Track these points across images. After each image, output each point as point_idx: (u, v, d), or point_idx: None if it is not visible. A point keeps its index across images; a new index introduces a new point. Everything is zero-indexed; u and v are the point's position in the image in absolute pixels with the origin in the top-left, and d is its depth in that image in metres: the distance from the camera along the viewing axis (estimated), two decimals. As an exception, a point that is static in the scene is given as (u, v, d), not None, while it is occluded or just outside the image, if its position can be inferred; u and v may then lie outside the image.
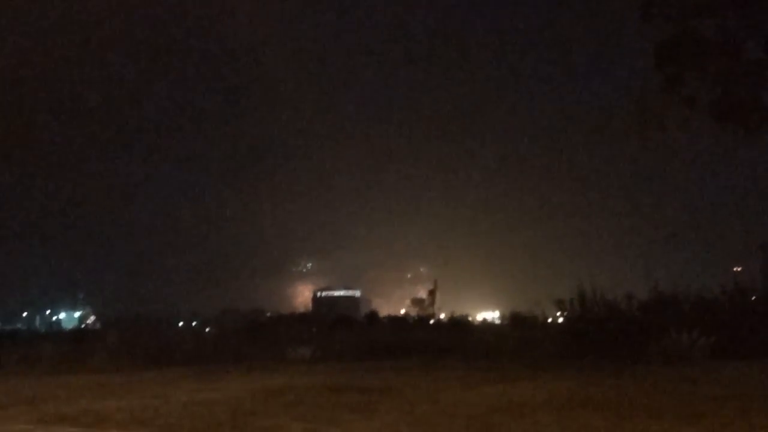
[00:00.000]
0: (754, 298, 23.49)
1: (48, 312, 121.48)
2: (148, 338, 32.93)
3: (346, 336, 35.54)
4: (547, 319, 39.29)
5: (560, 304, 25.59)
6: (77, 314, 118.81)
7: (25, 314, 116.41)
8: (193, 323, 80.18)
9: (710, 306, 23.13)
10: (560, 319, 28.00)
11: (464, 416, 10.83)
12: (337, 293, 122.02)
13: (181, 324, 76.34)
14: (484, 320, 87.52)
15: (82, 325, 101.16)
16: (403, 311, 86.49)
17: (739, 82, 18.92)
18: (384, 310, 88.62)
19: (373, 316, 72.71)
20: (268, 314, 78.90)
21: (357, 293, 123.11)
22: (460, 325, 47.77)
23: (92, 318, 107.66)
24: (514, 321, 44.37)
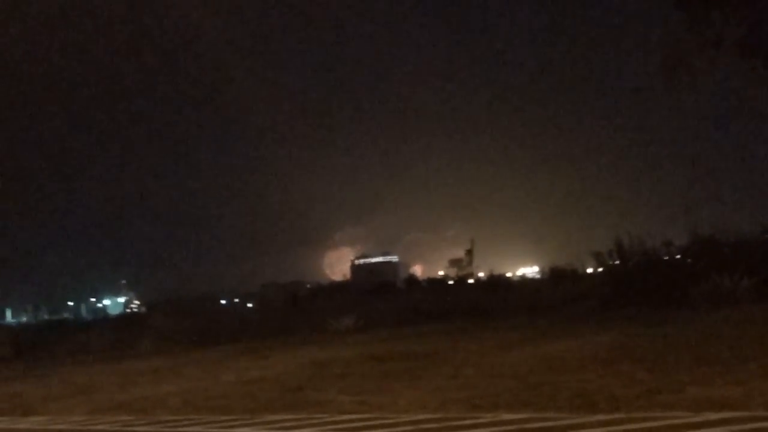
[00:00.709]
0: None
1: (93, 300, 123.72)
2: (193, 319, 33.51)
3: (387, 303, 35.83)
4: (587, 271, 39.12)
5: (598, 256, 25.44)
6: (121, 300, 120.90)
7: (71, 303, 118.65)
8: (235, 300, 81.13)
9: (751, 247, 22.83)
10: (600, 271, 27.83)
11: (509, 376, 10.91)
12: (375, 260, 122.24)
13: (223, 302, 77.31)
14: (524, 276, 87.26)
15: (127, 310, 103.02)
16: (441, 273, 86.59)
17: (765, 19, 18.44)
18: (423, 273, 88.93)
19: (412, 280, 72.98)
20: (308, 285, 79.58)
21: (395, 258, 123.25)
22: (498, 283, 47.71)
23: (136, 302, 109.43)
24: (554, 275, 44.21)
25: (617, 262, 24.25)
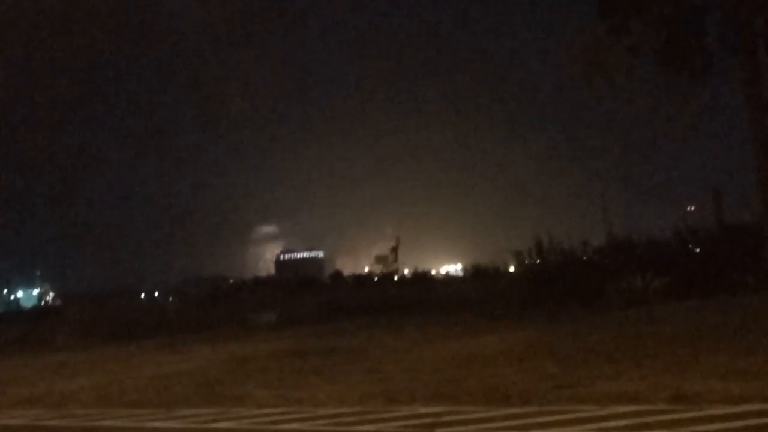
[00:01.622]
0: (703, 237, 24.08)
1: (5, 291, 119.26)
2: (110, 313, 32.80)
3: (311, 298, 35.75)
4: (508, 269, 39.82)
5: (518, 255, 25.96)
6: (35, 292, 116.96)
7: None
8: (156, 294, 79.57)
9: (663, 248, 23.67)
10: (520, 270, 28.39)
11: (428, 371, 11.08)
12: (300, 255, 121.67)
13: (143, 296, 75.75)
14: (447, 274, 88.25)
15: (42, 303, 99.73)
16: (367, 269, 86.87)
17: (682, 28, 19.17)
18: (349, 269, 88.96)
19: (337, 276, 72.93)
20: (231, 280, 78.64)
21: (320, 254, 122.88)
22: (422, 280, 48.18)
23: (51, 295, 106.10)
24: (475, 273, 44.91)
25: (537, 261, 24.80)
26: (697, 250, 23.81)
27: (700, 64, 19.25)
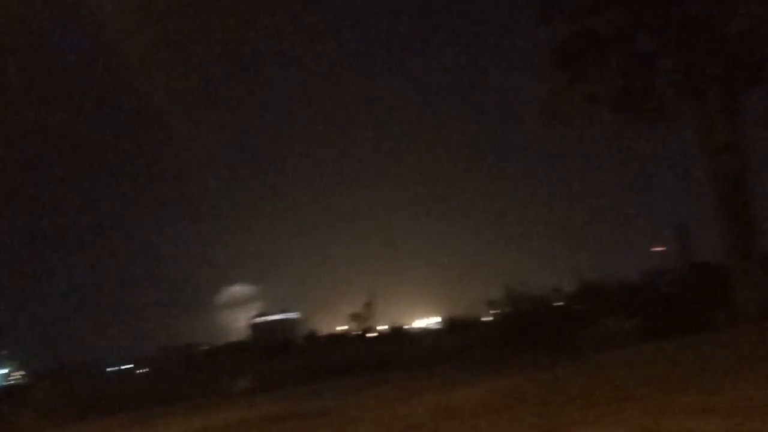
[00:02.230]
0: (671, 277, 24.47)
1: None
2: (79, 388, 32.13)
3: (286, 361, 35.45)
4: (484, 319, 39.90)
5: (492, 304, 26.12)
6: (2, 372, 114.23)
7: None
8: (128, 365, 78.17)
9: (632, 290, 23.97)
10: (495, 319, 28.51)
11: (406, 428, 11.00)
12: (273, 317, 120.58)
13: (114, 369, 74.36)
14: (424, 327, 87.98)
15: (9, 382, 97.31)
16: (342, 327, 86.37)
17: (635, 75, 19.75)
18: (324, 328, 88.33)
19: (312, 336, 72.40)
20: (205, 347, 77.65)
21: (294, 315, 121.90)
22: (398, 335, 48.03)
23: (19, 373, 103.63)
24: (452, 325, 44.88)
25: (510, 309, 24.94)
26: (666, 290, 24.15)
27: (654, 109, 19.80)
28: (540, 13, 20.18)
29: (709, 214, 20.95)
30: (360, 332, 63.80)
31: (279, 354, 44.49)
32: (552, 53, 19.94)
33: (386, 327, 59.58)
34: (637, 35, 20.20)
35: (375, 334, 59.07)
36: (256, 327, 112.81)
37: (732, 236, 19.54)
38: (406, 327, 67.94)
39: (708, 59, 19.67)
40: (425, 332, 69.19)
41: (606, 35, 19.96)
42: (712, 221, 20.66)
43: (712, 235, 21.75)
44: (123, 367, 76.55)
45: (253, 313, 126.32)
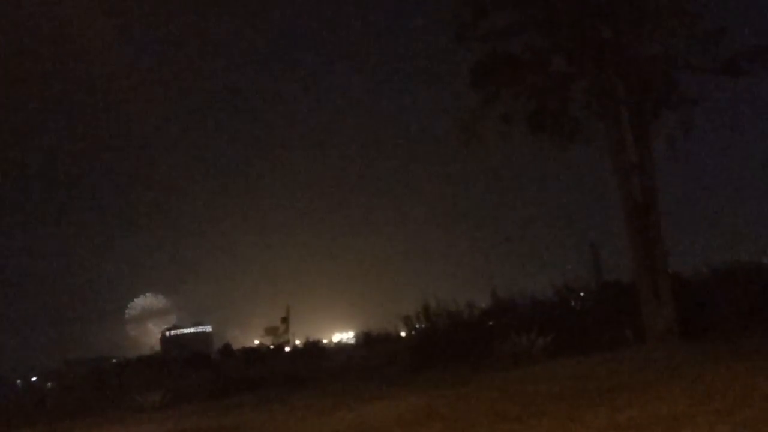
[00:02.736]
0: (583, 294, 25.05)
1: None
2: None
3: (199, 375, 34.74)
4: (399, 334, 40.03)
5: (407, 320, 26.20)
6: None
7: None
8: (33, 379, 75.27)
9: (545, 307, 24.46)
10: (410, 334, 28.59)
11: (317, 445, 10.91)
12: (186, 330, 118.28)
13: (19, 382, 71.47)
14: (339, 342, 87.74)
15: None
16: (257, 341, 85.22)
17: (550, 96, 20.26)
18: (239, 341, 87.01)
19: (226, 350, 71.22)
20: (114, 360, 75.43)
21: (208, 328, 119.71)
22: (314, 350, 47.74)
23: None
24: (367, 340, 44.90)
25: (424, 324, 25.08)
26: (578, 307, 24.73)
27: (567, 130, 20.34)
28: (456, 33, 20.50)
29: (619, 233, 21.61)
30: (275, 346, 63.13)
31: (192, 368, 43.54)
32: (468, 74, 20.29)
33: (302, 341, 59.15)
34: (552, 58, 20.74)
35: (290, 349, 58.56)
36: (168, 340, 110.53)
37: (640, 254, 20.17)
38: (323, 341, 67.60)
39: (620, 82, 20.36)
40: (341, 347, 69.04)
41: (521, 57, 20.43)
42: (622, 241, 21.32)
43: (623, 254, 22.45)
44: (32, 380, 73.74)
45: (166, 325, 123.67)
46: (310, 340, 57.34)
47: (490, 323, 23.85)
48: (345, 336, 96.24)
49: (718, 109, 21.04)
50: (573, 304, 24.76)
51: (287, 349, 59.49)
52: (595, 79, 20.35)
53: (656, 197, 20.47)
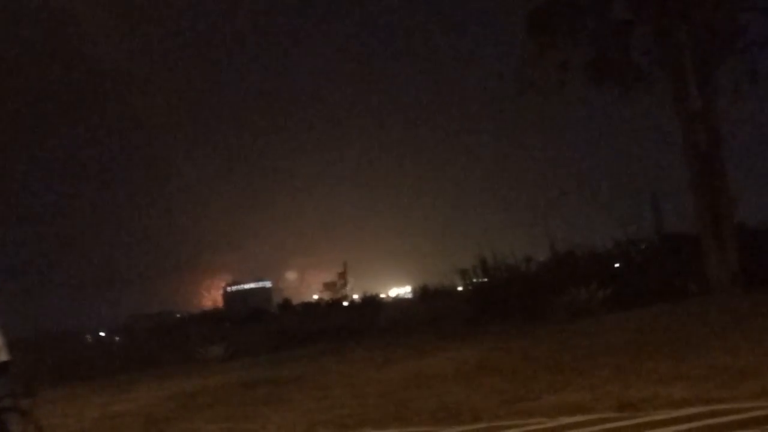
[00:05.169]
0: (644, 246, 24.62)
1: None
2: (54, 355, 31.84)
3: (259, 329, 35.37)
4: (456, 289, 40.04)
5: (464, 274, 26.17)
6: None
7: None
8: (101, 333, 77.72)
9: (604, 259, 24.12)
10: (467, 288, 28.56)
11: (376, 394, 11.02)
12: (247, 286, 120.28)
13: (89, 336, 73.90)
14: (397, 296, 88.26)
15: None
16: (315, 296, 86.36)
17: (610, 44, 19.73)
18: (298, 297, 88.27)
19: (285, 305, 72.38)
20: (178, 315, 77.38)
21: (268, 284, 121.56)
22: (371, 304, 48.11)
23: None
24: (424, 294, 45.01)
25: (482, 278, 25.02)
26: (639, 259, 24.32)
27: (628, 78, 19.81)
28: None
29: (682, 185, 21.13)
30: (333, 301, 63.91)
31: (253, 322, 44.37)
32: (525, 20, 19.86)
33: (359, 296, 59.75)
34: (612, 4, 20.15)
35: (348, 303, 59.22)
36: (230, 295, 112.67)
37: (703, 204, 19.71)
38: (380, 296, 68.12)
39: (683, 27, 19.68)
40: (398, 301, 69.45)
41: (580, 3, 19.89)
42: (685, 191, 20.84)
43: (686, 206, 21.97)
44: (101, 334, 76.11)
45: (227, 281, 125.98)
46: (368, 294, 57.78)
47: (549, 276, 23.62)
48: (402, 290, 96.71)
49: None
50: (633, 256, 24.34)
51: (345, 303, 60.16)
52: (656, 24, 19.70)
53: (720, 146, 19.90)
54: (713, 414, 6.93)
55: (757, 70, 19.61)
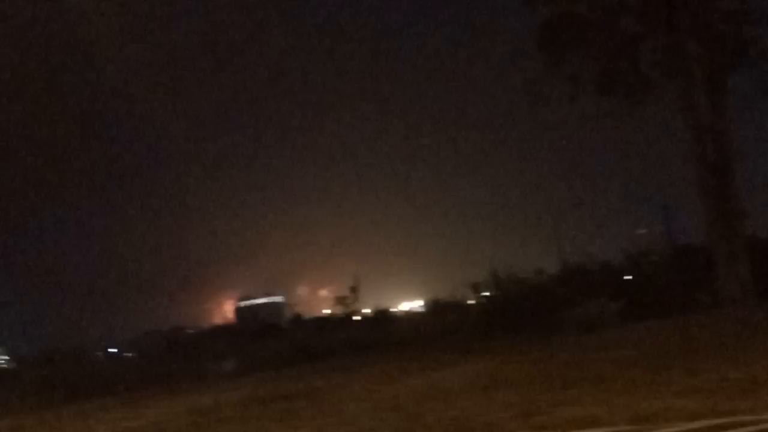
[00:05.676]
0: (655, 258, 24.56)
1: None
2: (66, 372, 31.91)
3: (271, 344, 35.34)
4: (468, 302, 39.92)
5: (475, 287, 26.16)
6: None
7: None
8: (113, 350, 77.83)
9: (616, 272, 24.08)
10: (479, 301, 28.54)
11: (389, 409, 11.01)
12: (258, 301, 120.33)
13: (100, 353, 74.02)
14: (408, 310, 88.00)
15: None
16: (327, 311, 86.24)
17: (618, 56, 19.77)
18: (309, 312, 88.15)
19: (297, 320, 72.28)
20: (190, 331, 77.46)
21: (280, 299, 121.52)
22: (383, 318, 47.97)
23: (5, 358, 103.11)
24: (435, 308, 44.88)
25: (494, 292, 25.00)
26: (650, 272, 24.25)
27: (638, 90, 19.83)
28: None
29: (692, 197, 21.08)
30: (345, 315, 63.84)
31: (265, 337, 44.36)
32: (535, 34, 19.95)
33: (371, 310, 59.56)
34: (621, 17, 20.21)
35: (360, 317, 59.07)
36: (241, 310, 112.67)
37: (714, 218, 19.65)
38: (391, 310, 67.97)
39: (692, 39, 19.70)
40: (409, 315, 69.27)
41: (589, 17, 19.96)
42: (696, 204, 20.80)
43: (696, 218, 21.91)
44: (112, 351, 76.22)
45: (239, 296, 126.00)
46: (380, 308, 57.64)
47: (560, 289, 23.59)
48: (414, 304, 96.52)
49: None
50: (645, 268, 24.28)
51: (357, 317, 60.04)
52: (665, 37, 19.75)
53: (732, 158, 19.86)
54: (726, 426, 6.91)
55: (766, 81, 19.59)
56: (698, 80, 19.79)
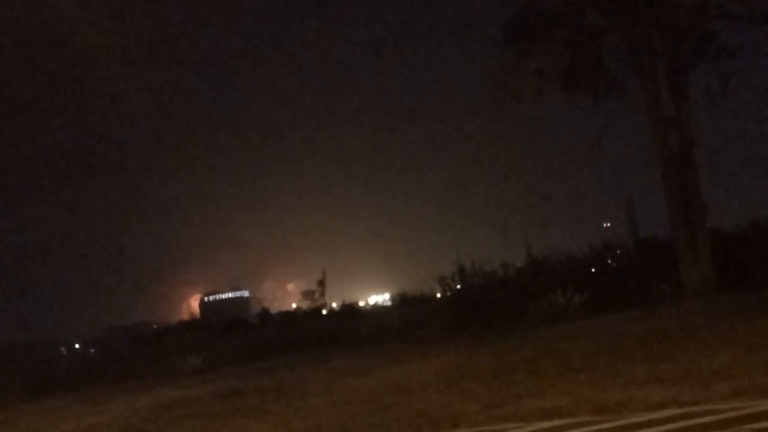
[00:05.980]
0: (619, 251, 24.84)
1: None
2: (28, 367, 31.48)
3: (237, 339, 35.17)
4: (435, 295, 40.06)
5: (442, 280, 26.25)
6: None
7: None
8: (76, 345, 76.96)
9: (581, 265, 24.30)
10: (445, 295, 28.64)
11: (356, 402, 11.01)
12: (224, 296, 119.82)
13: (63, 349, 73.14)
14: (375, 304, 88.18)
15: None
16: (294, 305, 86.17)
17: (584, 49, 19.90)
18: (276, 306, 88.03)
19: (264, 314, 72.03)
20: (155, 326, 76.81)
21: (245, 293, 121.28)
22: (350, 312, 48.00)
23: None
24: (403, 302, 45.03)
25: (460, 285, 25.10)
26: (614, 264, 24.54)
27: (602, 85, 20.01)
28: None
29: (655, 190, 21.33)
30: (312, 309, 63.73)
31: (231, 332, 44.14)
32: (501, 28, 20.02)
33: (338, 304, 59.59)
34: (585, 11, 20.34)
35: (327, 312, 59.02)
36: (207, 305, 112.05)
37: (677, 210, 19.91)
38: (359, 304, 68.01)
39: (655, 34, 19.90)
40: (377, 309, 69.39)
41: (554, 11, 20.06)
42: (659, 197, 21.05)
43: (660, 211, 22.18)
44: (76, 346, 75.45)
45: (204, 291, 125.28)
46: (347, 302, 57.67)
47: (526, 282, 23.76)
48: (381, 298, 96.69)
49: (759, 60, 20.53)
50: (609, 261, 24.56)
51: (324, 312, 60.00)
52: (629, 31, 19.93)
53: (693, 152, 20.13)
54: (688, 416, 7.01)
55: (729, 77, 19.85)
56: (661, 75, 20.01)
